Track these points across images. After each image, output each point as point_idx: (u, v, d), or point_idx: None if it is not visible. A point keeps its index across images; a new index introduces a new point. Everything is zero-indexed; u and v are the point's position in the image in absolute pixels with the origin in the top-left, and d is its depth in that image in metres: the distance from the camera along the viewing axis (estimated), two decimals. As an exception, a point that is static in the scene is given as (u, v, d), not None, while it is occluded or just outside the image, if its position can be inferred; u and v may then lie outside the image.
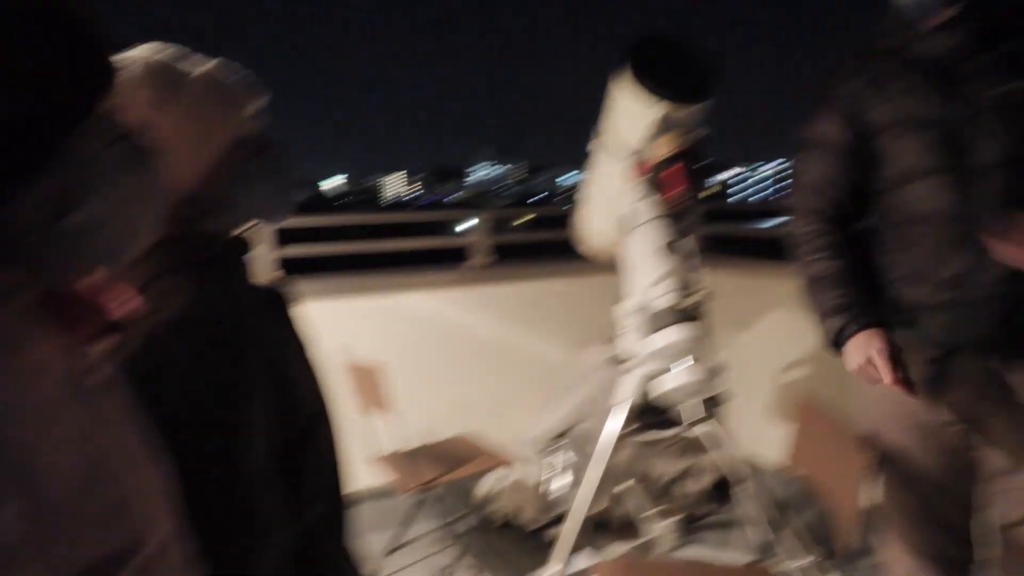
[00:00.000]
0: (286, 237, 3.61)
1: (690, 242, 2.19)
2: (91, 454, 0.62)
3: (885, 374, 1.74)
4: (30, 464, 0.55)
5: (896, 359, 1.76)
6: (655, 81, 2.03)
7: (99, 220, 0.68)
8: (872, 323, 1.79)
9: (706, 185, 2.08)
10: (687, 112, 2.07)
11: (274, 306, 1.18)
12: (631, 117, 2.13)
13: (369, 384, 2.86)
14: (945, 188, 1.69)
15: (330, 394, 1.23)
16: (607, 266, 2.90)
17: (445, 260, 4.22)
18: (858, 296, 1.83)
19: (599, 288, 3.76)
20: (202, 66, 1.09)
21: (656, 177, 2.08)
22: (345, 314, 3.44)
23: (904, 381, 1.75)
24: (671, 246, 2.14)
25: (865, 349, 1.78)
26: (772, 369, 3.51)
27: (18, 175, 0.61)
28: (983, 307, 1.68)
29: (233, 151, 1.10)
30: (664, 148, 2.04)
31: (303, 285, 3.39)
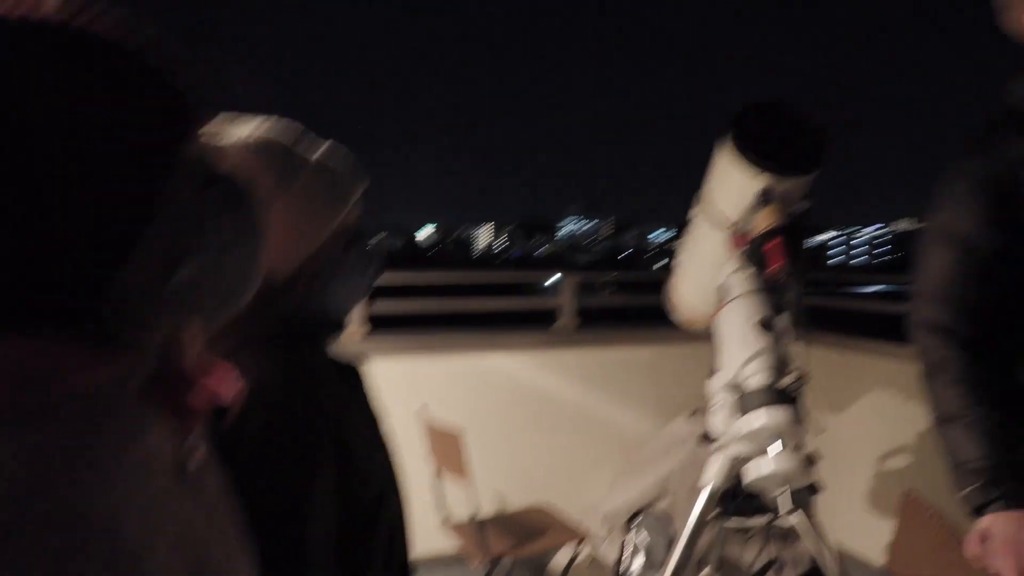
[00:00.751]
0: (375, 292, 3.63)
1: (787, 318, 2.09)
2: (196, 547, 0.59)
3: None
4: (143, 565, 0.50)
5: None
6: (757, 152, 1.97)
7: (207, 270, 0.64)
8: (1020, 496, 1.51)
9: (806, 261, 1.98)
10: (790, 184, 1.98)
11: (349, 381, 1.16)
12: (732, 186, 2.07)
13: (447, 448, 2.81)
14: None
15: (401, 469, 1.22)
16: (697, 336, 2.80)
17: (531, 321, 4.17)
18: (1003, 456, 1.53)
19: (688, 358, 3.66)
20: (315, 149, 1.09)
21: (754, 251, 2.00)
22: (426, 373, 3.42)
23: None
24: (767, 322, 2.05)
25: (1010, 535, 1.50)
26: (872, 457, 3.30)
27: (117, 239, 0.57)
28: None
29: (331, 241, 1.09)
30: (765, 221, 1.96)
31: (386, 342, 3.42)
